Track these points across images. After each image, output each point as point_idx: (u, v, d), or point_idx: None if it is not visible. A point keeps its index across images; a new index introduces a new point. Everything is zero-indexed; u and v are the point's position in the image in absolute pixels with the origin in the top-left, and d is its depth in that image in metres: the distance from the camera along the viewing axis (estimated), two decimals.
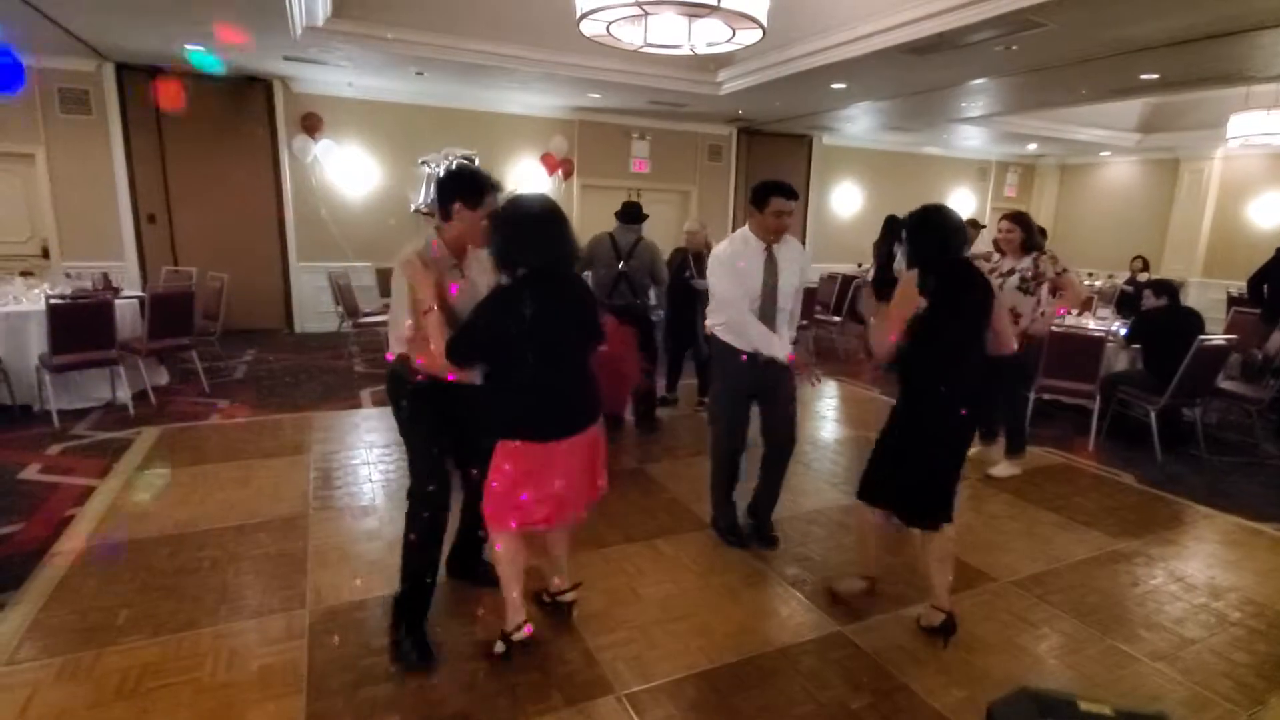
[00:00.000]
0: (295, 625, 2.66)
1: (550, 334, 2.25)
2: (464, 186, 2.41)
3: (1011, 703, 1.05)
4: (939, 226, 2.55)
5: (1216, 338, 4.84)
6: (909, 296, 2.50)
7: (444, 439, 2.53)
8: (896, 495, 2.67)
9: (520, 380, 2.29)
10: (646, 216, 5.03)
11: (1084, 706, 1.06)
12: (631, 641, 2.62)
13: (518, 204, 2.30)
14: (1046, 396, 5.23)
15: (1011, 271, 4.25)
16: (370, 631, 2.61)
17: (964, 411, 2.56)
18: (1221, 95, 8.57)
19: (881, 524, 2.80)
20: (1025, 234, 4.28)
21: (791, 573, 3.18)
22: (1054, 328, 5.14)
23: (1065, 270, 4.21)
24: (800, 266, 3.26)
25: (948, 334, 2.51)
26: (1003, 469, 4.43)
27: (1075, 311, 4.33)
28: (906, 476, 2.62)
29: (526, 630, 2.44)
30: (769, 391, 3.27)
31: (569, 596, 2.72)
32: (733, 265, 3.13)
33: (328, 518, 3.60)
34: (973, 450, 4.58)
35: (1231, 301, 8.41)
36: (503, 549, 2.41)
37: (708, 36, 3.84)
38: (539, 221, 2.27)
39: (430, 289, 2.28)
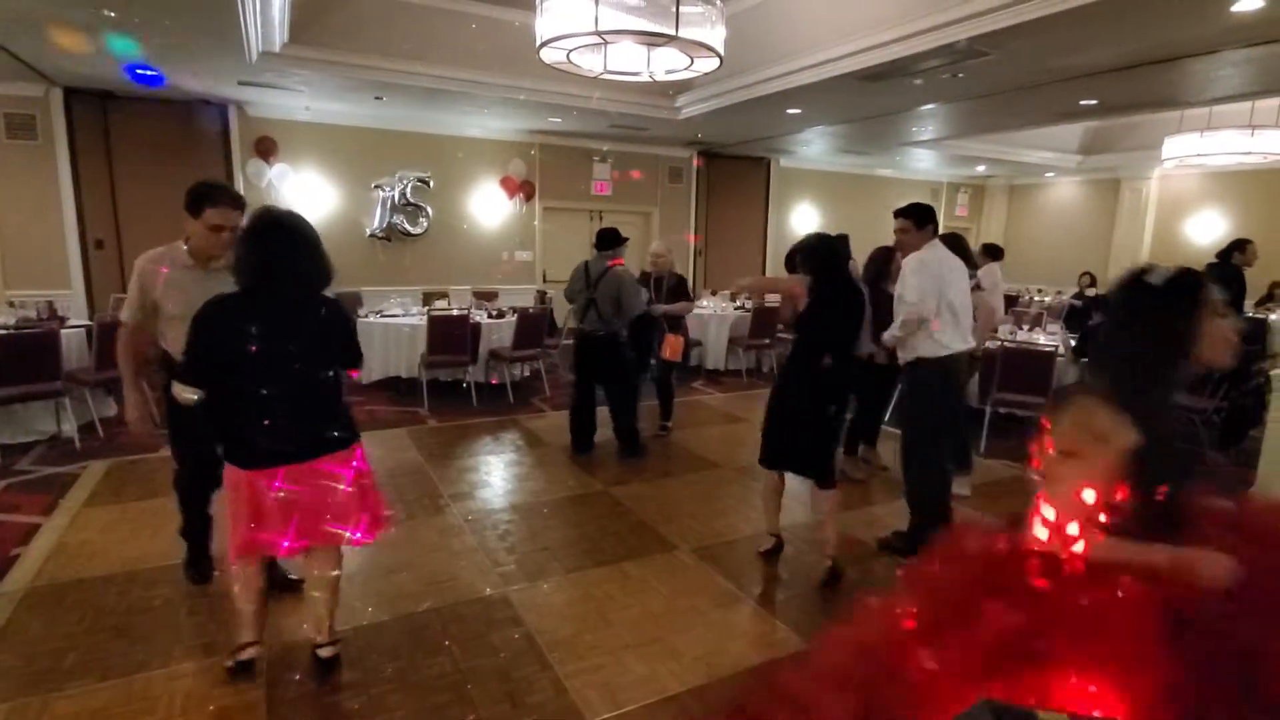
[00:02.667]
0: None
1: (255, 354, 2.18)
2: (188, 197, 2.62)
3: (973, 715, 1.07)
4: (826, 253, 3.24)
5: None
6: (791, 282, 3.31)
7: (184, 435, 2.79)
8: (790, 456, 3.26)
9: (227, 399, 2.25)
10: (625, 240, 4.97)
11: (1042, 716, 1.09)
12: (601, 668, 2.59)
13: (252, 217, 2.30)
14: (1002, 410, 5.38)
15: None
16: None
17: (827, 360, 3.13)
18: (1157, 119, 9.04)
19: (780, 486, 3.42)
20: None
21: (759, 592, 3.20)
22: (1006, 343, 5.30)
23: None
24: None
25: (821, 326, 3.16)
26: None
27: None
28: (794, 440, 3.21)
29: (246, 654, 2.47)
30: None
31: (326, 652, 2.52)
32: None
33: None
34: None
35: None
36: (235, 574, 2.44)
37: (666, 64, 3.92)
38: (259, 237, 2.24)
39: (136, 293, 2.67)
